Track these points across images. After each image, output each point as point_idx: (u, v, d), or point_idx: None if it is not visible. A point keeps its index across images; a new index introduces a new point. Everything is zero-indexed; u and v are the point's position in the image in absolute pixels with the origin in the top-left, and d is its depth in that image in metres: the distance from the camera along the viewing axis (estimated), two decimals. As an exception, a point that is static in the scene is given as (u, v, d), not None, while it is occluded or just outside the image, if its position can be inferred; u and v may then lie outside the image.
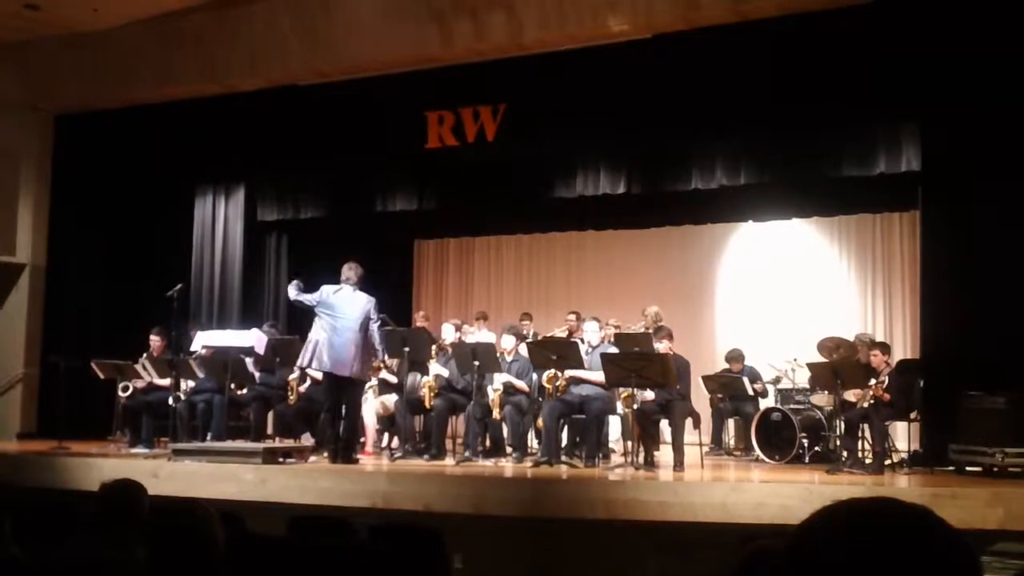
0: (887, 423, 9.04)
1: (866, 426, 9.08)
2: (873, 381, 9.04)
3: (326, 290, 9.34)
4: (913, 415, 9.40)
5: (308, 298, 9.33)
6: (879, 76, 9.61)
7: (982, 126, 9.15)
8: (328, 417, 9.42)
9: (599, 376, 9.16)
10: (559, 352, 9.41)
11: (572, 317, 11.51)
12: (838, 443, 9.28)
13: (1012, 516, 6.87)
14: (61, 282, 13.58)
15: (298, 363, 9.82)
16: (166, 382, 10.77)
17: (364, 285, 9.49)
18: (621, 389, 9.42)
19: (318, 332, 9.32)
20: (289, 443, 10.46)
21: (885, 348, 9.57)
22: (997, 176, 9.03)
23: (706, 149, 10.70)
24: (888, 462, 8.91)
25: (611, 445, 10.56)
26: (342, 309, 9.21)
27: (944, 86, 9.34)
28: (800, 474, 8.80)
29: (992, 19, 9.10)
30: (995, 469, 8.15)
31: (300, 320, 10.32)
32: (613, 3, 10.30)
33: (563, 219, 14.04)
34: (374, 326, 9.27)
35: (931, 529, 1.11)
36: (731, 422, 11.57)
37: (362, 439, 10.28)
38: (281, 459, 9.20)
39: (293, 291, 9.48)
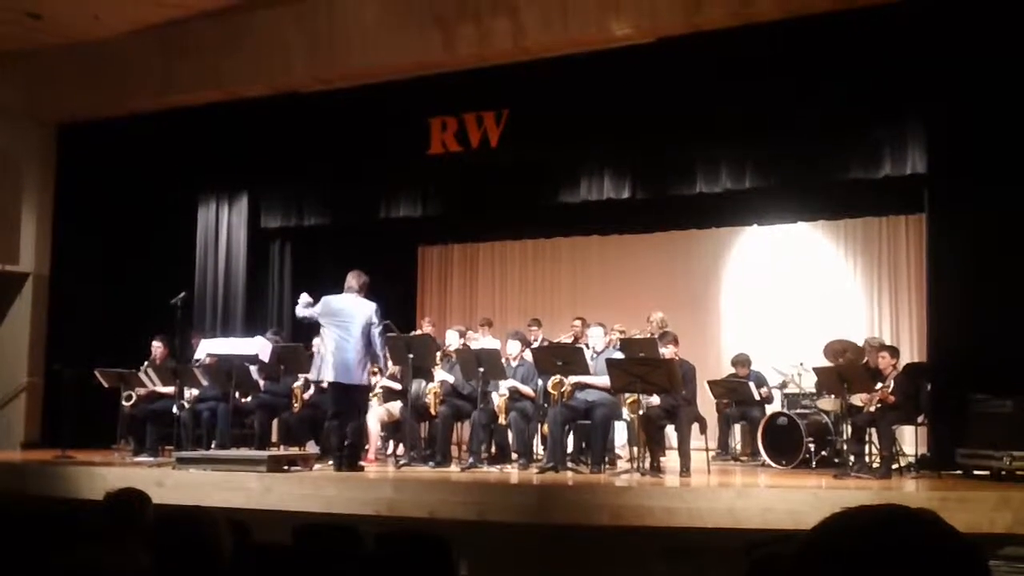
0: (894, 427, 9.01)
1: (873, 430, 9.06)
2: (879, 385, 9.01)
3: (328, 300, 9.34)
4: (920, 419, 9.38)
5: (312, 311, 9.34)
6: (884, 78, 9.60)
7: (988, 128, 9.14)
8: (333, 425, 9.41)
9: (604, 382, 9.14)
10: (564, 358, 9.39)
11: (577, 323, 11.47)
12: (845, 447, 9.24)
13: (1020, 520, 6.83)
14: (65, 291, 13.59)
15: (310, 376, 9.86)
16: (169, 390, 10.76)
17: (368, 292, 9.48)
18: (627, 395, 9.40)
19: (324, 343, 9.34)
20: (294, 451, 10.45)
21: (894, 352, 9.53)
22: (1004, 178, 9.01)
23: (710, 153, 10.67)
24: (895, 466, 8.88)
25: (617, 451, 10.54)
26: (345, 317, 9.19)
27: (950, 88, 9.32)
28: (807, 479, 8.78)
29: (998, 20, 9.08)
30: (1003, 473, 8.13)
31: (305, 328, 10.32)
32: (616, 7, 10.29)
33: (567, 224, 14.02)
34: (375, 331, 9.25)
35: (940, 536, 1.10)
36: (737, 427, 11.54)
37: (366, 446, 10.27)
38: (286, 467, 9.18)
39: (299, 309, 9.49)
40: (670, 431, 9.72)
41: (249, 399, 10.85)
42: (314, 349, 10.40)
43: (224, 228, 13.38)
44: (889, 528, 1.10)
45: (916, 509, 1.13)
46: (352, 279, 9.40)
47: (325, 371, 9.20)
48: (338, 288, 9.48)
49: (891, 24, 9.49)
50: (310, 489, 8.58)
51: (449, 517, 7.79)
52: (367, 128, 12.07)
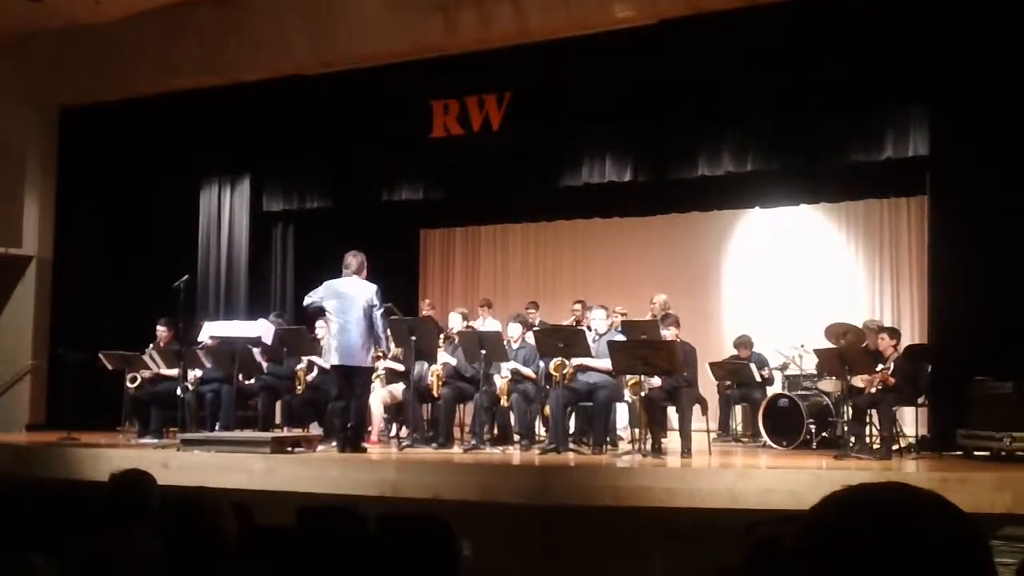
0: (895, 408, 9.03)
1: (874, 412, 9.08)
2: (880, 367, 9.03)
3: (330, 283, 9.36)
4: (921, 400, 9.40)
5: (316, 296, 9.37)
6: (887, 61, 9.57)
7: (990, 111, 9.13)
8: (336, 407, 9.43)
9: (606, 364, 9.17)
10: (566, 340, 9.40)
11: (578, 306, 11.49)
12: (846, 429, 9.27)
13: (1020, 500, 6.86)
14: (68, 274, 13.61)
15: (321, 362, 9.90)
16: (173, 372, 10.78)
17: (369, 274, 9.50)
18: (628, 376, 9.42)
19: (328, 327, 9.36)
20: (297, 433, 10.48)
21: (894, 333, 9.54)
22: (1005, 161, 9.01)
23: (713, 136, 10.66)
24: (896, 447, 8.91)
25: (618, 432, 10.58)
26: (346, 300, 9.21)
27: (952, 71, 9.30)
28: (808, 460, 8.79)
29: (1002, 3, 9.05)
30: (1003, 454, 8.15)
31: (307, 311, 10.33)
32: (618, -10, 10.28)
33: (569, 207, 14.00)
34: (376, 313, 9.27)
35: (942, 513, 1.11)
36: (739, 408, 11.57)
37: (369, 428, 10.30)
38: (289, 449, 9.22)
39: (307, 298, 9.53)
40: (671, 412, 9.74)
41: (252, 381, 10.87)
42: (319, 334, 10.44)
43: (226, 211, 13.39)
44: (889, 505, 1.11)
45: (916, 487, 1.13)
46: (350, 259, 9.40)
47: (333, 355, 9.22)
48: (339, 271, 9.50)
49: (894, 6, 9.47)
50: (313, 471, 8.62)
51: (451, 498, 7.82)
52: (369, 111, 12.04)
